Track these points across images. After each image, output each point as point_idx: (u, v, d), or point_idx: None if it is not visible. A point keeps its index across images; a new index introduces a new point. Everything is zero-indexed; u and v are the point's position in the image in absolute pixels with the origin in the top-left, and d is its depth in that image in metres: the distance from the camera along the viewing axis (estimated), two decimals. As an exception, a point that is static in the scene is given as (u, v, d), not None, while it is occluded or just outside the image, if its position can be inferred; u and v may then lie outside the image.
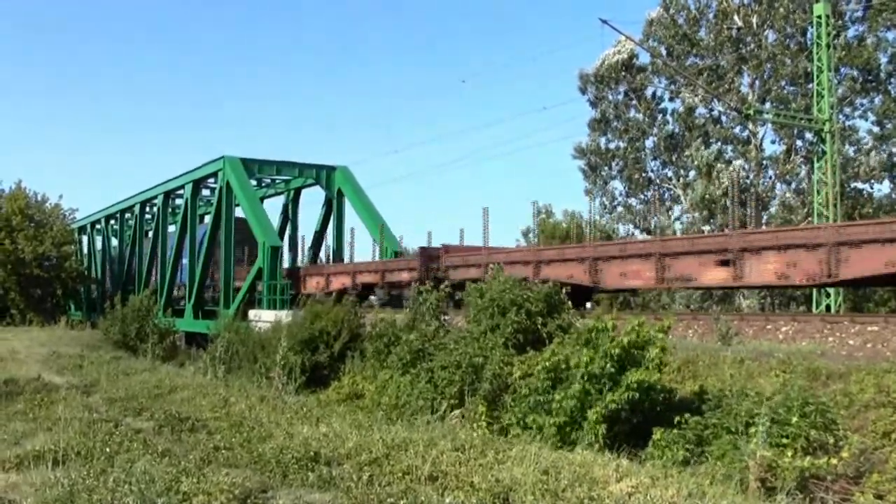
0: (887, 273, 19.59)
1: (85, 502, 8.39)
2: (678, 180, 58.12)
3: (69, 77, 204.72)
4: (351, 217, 48.36)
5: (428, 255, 34.12)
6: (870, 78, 49.78)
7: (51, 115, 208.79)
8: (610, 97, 61.39)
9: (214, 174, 47.54)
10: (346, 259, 47.01)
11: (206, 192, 54.70)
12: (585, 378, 14.12)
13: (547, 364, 15.16)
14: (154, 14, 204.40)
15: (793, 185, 53.62)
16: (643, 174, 60.51)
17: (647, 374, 13.75)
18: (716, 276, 23.29)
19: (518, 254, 30.55)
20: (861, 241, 20.08)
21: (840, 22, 48.83)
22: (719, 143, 56.22)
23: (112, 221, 68.07)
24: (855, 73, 49.96)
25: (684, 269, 23.61)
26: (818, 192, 41.60)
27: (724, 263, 22.76)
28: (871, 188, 51.37)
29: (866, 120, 51.37)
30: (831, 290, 37.11)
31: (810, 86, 45.41)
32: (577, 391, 13.98)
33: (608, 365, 14.01)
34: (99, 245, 71.24)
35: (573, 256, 26.87)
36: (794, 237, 21.94)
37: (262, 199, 50.74)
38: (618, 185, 62.54)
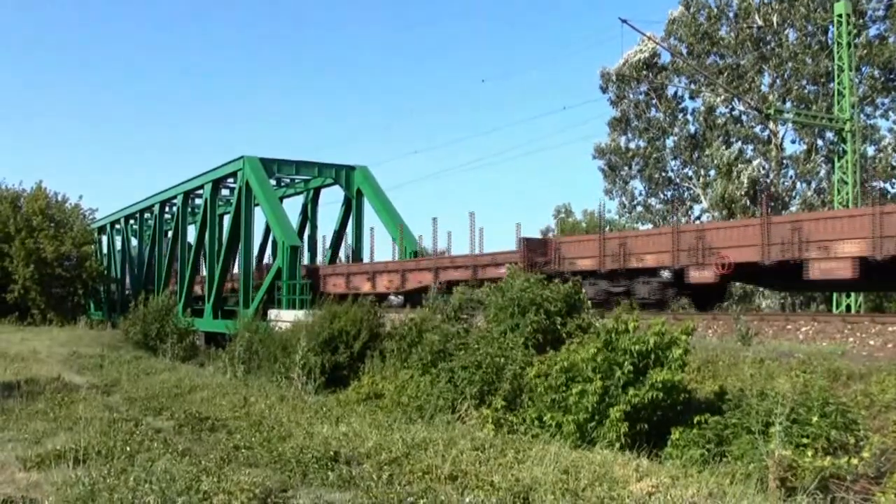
0: (421, 287, 35.87)
1: (106, 501, 8.43)
2: (698, 180, 57.90)
3: (85, 78, 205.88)
4: (371, 217, 48.51)
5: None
6: (891, 77, 49.53)
7: (70, 116, 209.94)
8: (630, 96, 61.26)
9: (234, 174, 47.70)
10: (366, 259, 47.07)
11: (225, 192, 54.87)
12: (599, 374, 14.16)
13: (564, 364, 15.16)
14: (171, 13, 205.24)
15: (813, 185, 53.38)
16: (663, 174, 60.30)
17: (671, 374, 13.77)
18: (367, 286, 39.66)
19: (391, 265, 41.44)
20: (414, 270, 38.02)
21: (861, 21, 48.58)
22: (740, 143, 55.97)
23: (132, 221, 68.37)
24: (876, 72, 49.73)
25: (357, 283, 41.03)
26: (839, 192, 41.40)
27: (370, 280, 40.36)
28: (892, 187, 51.17)
29: (887, 119, 51.18)
30: (852, 291, 36.92)
31: (831, 85, 45.21)
32: (598, 387, 13.97)
33: (626, 363, 14.03)
34: (119, 245, 71.50)
35: (394, 269, 40.19)
36: (391, 267, 40.11)
37: (281, 199, 50.88)
38: (637, 185, 62.43)
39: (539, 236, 32.23)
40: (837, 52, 41.93)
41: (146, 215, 64.47)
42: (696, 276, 25.46)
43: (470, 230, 38.12)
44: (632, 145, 61.73)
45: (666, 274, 26.26)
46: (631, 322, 14.96)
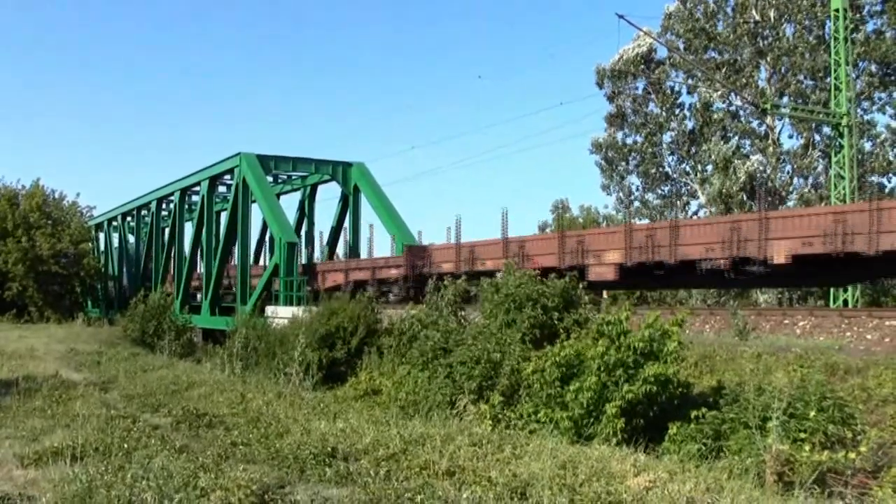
0: (335, 285, 39.92)
1: (103, 498, 8.42)
2: (695, 175, 57.87)
3: (84, 76, 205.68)
4: (368, 213, 48.43)
5: None
6: (888, 72, 49.51)
7: (70, 115, 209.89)
8: (627, 92, 61.21)
9: (231, 171, 47.64)
10: (364, 255, 47.10)
11: (222, 189, 54.84)
12: (602, 369, 14.14)
13: (557, 359, 15.14)
14: (171, 13, 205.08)
15: (810, 180, 53.41)
16: (660, 169, 60.27)
17: (664, 367, 13.77)
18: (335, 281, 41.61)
19: (339, 264, 45.11)
20: (331, 271, 42.72)
21: (859, 16, 48.58)
22: (737, 138, 55.93)
23: (129, 218, 68.28)
24: (873, 67, 49.72)
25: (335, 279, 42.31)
26: (835, 187, 41.40)
27: (341, 275, 41.26)
28: (889, 182, 51.23)
29: (884, 114, 51.18)
30: (849, 286, 37.00)
31: (829, 80, 45.17)
32: (593, 383, 13.98)
33: (630, 357, 14.02)
34: (116, 242, 71.43)
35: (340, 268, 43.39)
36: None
37: (278, 195, 50.82)
38: (634, 181, 62.38)
39: (422, 243, 39.11)
40: (834, 47, 41.92)
41: (143, 212, 64.41)
42: (519, 277, 31.01)
43: (370, 238, 44.55)
44: (629, 140, 61.73)
45: (499, 275, 28.59)
46: (623, 313, 14.96)
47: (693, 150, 57.76)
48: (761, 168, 53.42)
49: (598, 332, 14.93)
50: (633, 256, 27.54)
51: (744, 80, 53.55)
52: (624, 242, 27.91)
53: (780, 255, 23.15)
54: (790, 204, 51.97)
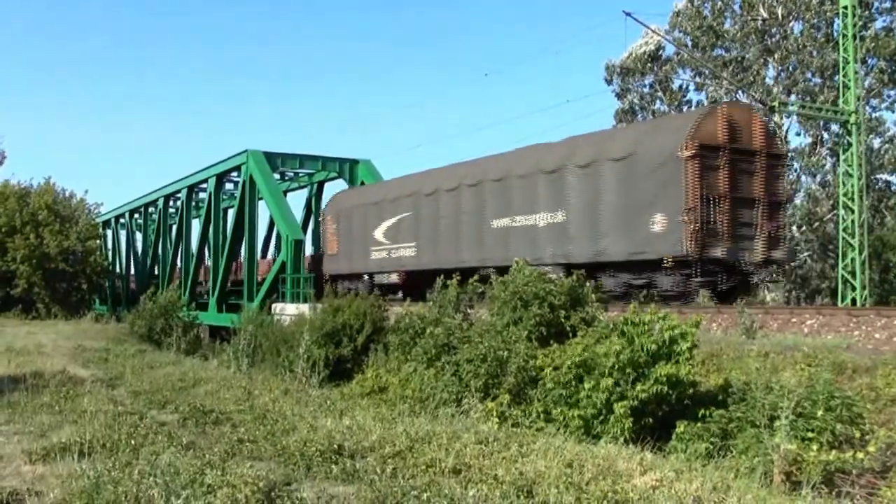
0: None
1: (110, 494, 8.42)
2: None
3: (91, 72, 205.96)
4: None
5: None
6: (898, 69, 49.31)
7: (74, 111, 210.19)
8: (635, 89, 61.04)
9: (238, 168, 47.65)
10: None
11: (229, 186, 54.87)
12: (616, 369, 14.06)
13: (577, 359, 15.06)
14: (179, 11, 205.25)
15: (818, 178, 53.16)
16: (667, 167, 60.00)
17: (676, 367, 13.70)
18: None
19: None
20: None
21: (868, 13, 48.37)
22: (744, 136, 55.56)
23: (136, 215, 68.38)
24: (882, 64, 49.51)
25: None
26: (843, 185, 41.22)
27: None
28: (897, 179, 51.00)
29: (893, 111, 50.93)
30: (857, 284, 36.82)
31: (837, 78, 44.96)
32: (609, 385, 13.91)
33: (642, 358, 13.94)
34: (123, 239, 71.55)
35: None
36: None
37: (285, 193, 50.82)
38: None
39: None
40: (843, 45, 41.72)
41: (151, 209, 64.48)
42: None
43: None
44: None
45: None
46: (649, 316, 14.84)
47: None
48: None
49: (621, 333, 14.79)
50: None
51: (751, 78, 53.32)
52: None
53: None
54: (797, 202, 51.77)
